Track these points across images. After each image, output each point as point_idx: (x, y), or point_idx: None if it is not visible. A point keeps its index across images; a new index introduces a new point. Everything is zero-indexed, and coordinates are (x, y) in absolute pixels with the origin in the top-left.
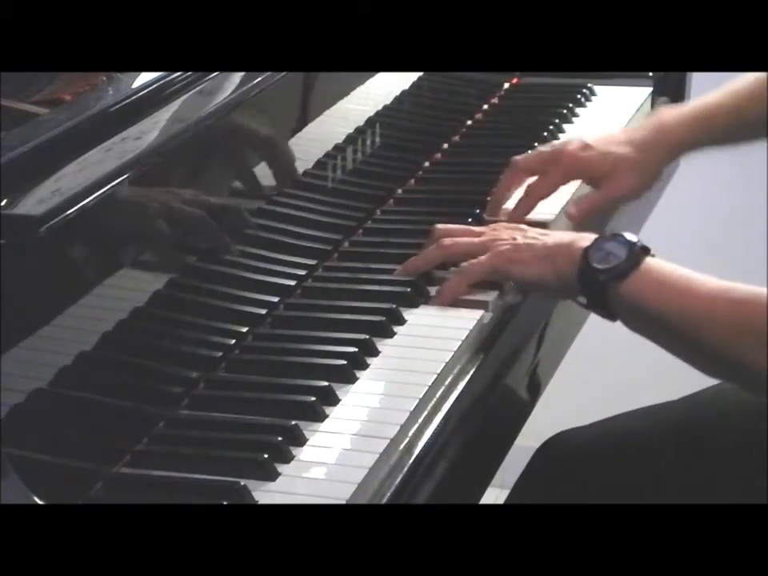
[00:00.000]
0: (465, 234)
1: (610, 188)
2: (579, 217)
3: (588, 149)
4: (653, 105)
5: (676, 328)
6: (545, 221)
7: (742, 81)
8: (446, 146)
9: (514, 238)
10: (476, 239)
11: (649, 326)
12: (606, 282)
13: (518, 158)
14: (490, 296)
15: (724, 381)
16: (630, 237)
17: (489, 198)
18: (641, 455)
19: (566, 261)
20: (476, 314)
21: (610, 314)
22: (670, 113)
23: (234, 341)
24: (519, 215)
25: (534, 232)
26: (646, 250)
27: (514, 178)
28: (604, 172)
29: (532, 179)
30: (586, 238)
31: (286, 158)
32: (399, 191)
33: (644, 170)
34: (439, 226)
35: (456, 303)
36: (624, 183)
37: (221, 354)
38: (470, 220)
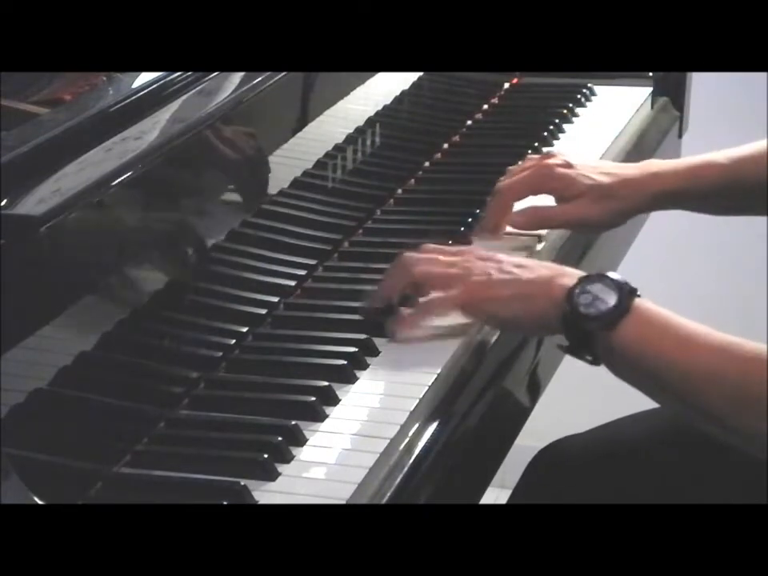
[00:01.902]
0: (433, 263)
1: (569, 209)
2: (522, 223)
3: (568, 166)
4: (653, 105)
5: (672, 386)
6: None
7: (742, 147)
8: (446, 145)
9: (488, 273)
10: (448, 270)
11: (640, 378)
12: (595, 331)
13: (503, 185)
14: None
15: (715, 437)
16: (617, 278)
17: (481, 222)
18: (639, 460)
19: (546, 302)
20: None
21: (594, 360)
22: (663, 161)
23: (233, 341)
24: (492, 224)
25: (509, 264)
26: (633, 292)
27: (504, 207)
28: (573, 194)
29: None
30: (568, 275)
31: (261, 173)
32: (399, 191)
33: (613, 206)
34: (407, 254)
35: None
36: (585, 210)
37: (221, 353)
38: (469, 220)
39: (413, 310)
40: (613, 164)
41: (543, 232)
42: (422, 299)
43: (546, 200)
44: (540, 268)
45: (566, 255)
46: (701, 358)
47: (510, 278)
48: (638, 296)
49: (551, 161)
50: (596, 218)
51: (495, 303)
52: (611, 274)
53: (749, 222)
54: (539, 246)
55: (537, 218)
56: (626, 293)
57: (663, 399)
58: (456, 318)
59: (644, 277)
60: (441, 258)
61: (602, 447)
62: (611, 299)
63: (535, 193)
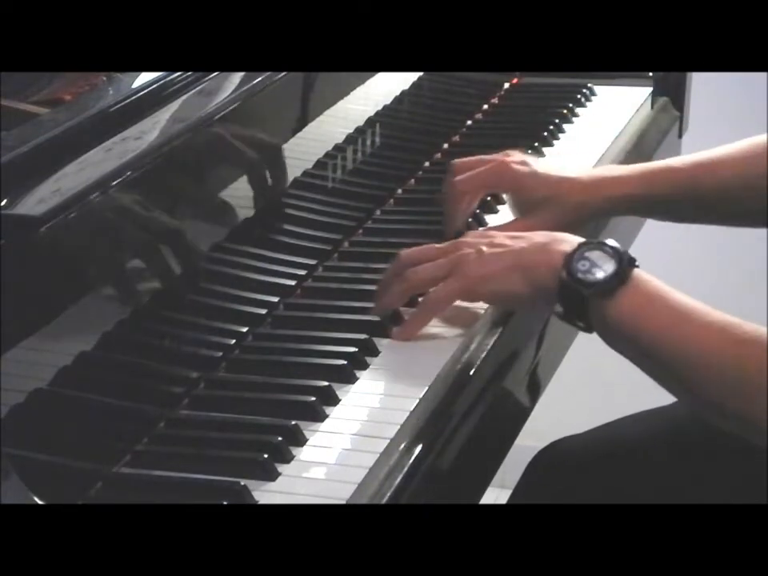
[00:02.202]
0: (429, 254)
1: (529, 224)
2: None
3: (525, 165)
4: (653, 105)
5: (666, 362)
6: None
7: (702, 152)
8: (446, 145)
9: (479, 251)
10: (439, 262)
11: (633, 351)
12: (591, 298)
13: (457, 180)
14: None
15: (710, 422)
16: (617, 246)
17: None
18: (639, 461)
19: (544, 269)
20: (476, 314)
21: (587, 327)
22: (620, 166)
23: (234, 341)
24: (450, 221)
25: (502, 236)
26: (632, 262)
27: (459, 202)
28: (530, 198)
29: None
30: (566, 241)
31: (279, 166)
32: (399, 191)
33: (567, 211)
34: (403, 252)
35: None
36: (541, 222)
37: (221, 353)
38: (469, 220)
39: (414, 311)
40: (568, 167)
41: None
42: (421, 299)
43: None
44: (535, 236)
45: None
46: (697, 336)
47: (503, 251)
48: (637, 266)
49: (508, 159)
50: (552, 227)
51: (492, 280)
52: (610, 242)
53: None
54: None
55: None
56: (626, 262)
57: (656, 375)
58: (457, 315)
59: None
60: (436, 246)
61: (602, 447)
62: (609, 267)
63: (490, 189)
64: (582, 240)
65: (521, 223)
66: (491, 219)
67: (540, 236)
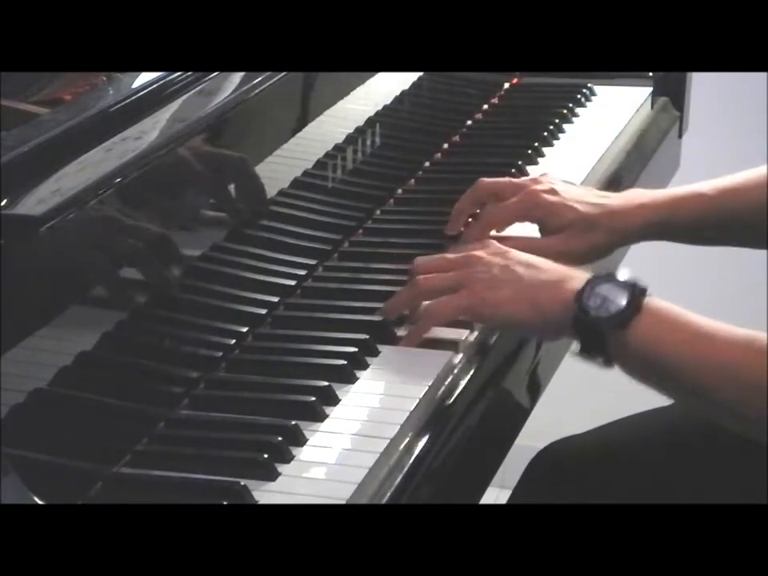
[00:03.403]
0: (442, 265)
1: (554, 242)
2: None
3: (554, 194)
4: (653, 105)
5: (689, 380)
6: None
7: (729, 177)
8: (446, 146)
9: (492, 273)
10: (449, 274)
11: (656, 376)
12: (608, 331)
13: (484, 179)
14: None
15: (740, 434)
16: (627, 277)
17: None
18: (638, 462)
19: (555, 305)
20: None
21: (606, 362)
22: (647, 191)
23: (234, 341)
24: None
25: (516, 262)
26: (644, 291)
27: (476, 197)
28: (558, 224)
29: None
30: (576, 278)
31: (254, 181)
32: (399, 191)
33: (598, 238)
34: (418, 260)
35: None
36: (570, 243)
37: (221, 353)
38: (469, 220)
39: (420, 318)
40: (597, 193)
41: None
42: (424, 304)
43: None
44: (547, 269)
45: None
46: (718, 350)
47: (514, 279)
48: (649, 294)
49: (537, 187)
50: (581, 251)
51: (498, 306)
52: (619, 273)
53: None
54: None
55: (522, 248)
56: (637, 292)
57: (679, 395)
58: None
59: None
60: (449, 257)
61: (601, 448)
62: (622, 299)
63: (521, 220)
64: (591, 276)
65: (545, 241)
66: None
67: (552, 270)
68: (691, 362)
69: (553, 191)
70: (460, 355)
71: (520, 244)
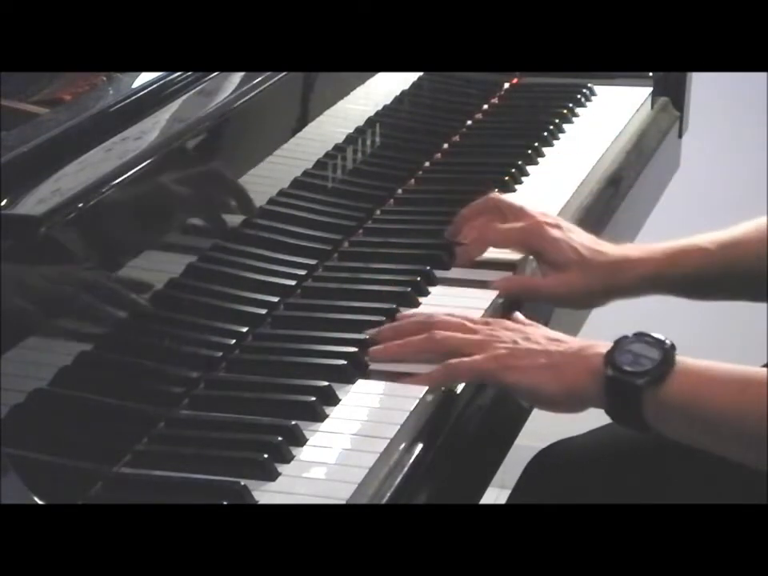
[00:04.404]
0: (460, 328)
1: (556, 283)
2: (504, 289)
3: (559, 230)
4: (653, 105)
5: (734, 427)
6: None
7: (728, 230)
8: (446, 145)
9: (515, 341)
10: (472, 336)
11: (697, 429)
12: (643, 387)
13: (495, 195)
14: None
15: None
16: (657, 335)
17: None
18: (638, 461)
19: (579, 370)
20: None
21: (642, 425)
22: (643, 245)
23: (234, 341)
24: (468, 258)
25: (537, 335)
26: (674, 346)
27: (484, 208)
28: (558, 261)
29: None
30: (600, 345)
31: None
32: (399, 191)
33: (599, 285)
34: (437, 316)
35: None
36: (572, 285)
37: (221, 353)
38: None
39: (438, 368)
40: (598, 241)
41: (518, 257)
42: (446, 362)
43: None
44: (569, 341)
45: None
46: (757, 394)
47: (539, 348)
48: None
49: (545, 219)
50: (580, 295)
51: (521, 373)
52: (648, 333)
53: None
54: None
55: (521, 287)
56: (669, 346)
57: (722, 446)
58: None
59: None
60: (467, 324)
61: (601, 449)
62: (654, 354)
63: (521, 247)
64: (618, 338)
65: (547, 281)
66: None
67: (574, 341)
68: (733, 408)
69: (558, 227)
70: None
71: (522, 282)
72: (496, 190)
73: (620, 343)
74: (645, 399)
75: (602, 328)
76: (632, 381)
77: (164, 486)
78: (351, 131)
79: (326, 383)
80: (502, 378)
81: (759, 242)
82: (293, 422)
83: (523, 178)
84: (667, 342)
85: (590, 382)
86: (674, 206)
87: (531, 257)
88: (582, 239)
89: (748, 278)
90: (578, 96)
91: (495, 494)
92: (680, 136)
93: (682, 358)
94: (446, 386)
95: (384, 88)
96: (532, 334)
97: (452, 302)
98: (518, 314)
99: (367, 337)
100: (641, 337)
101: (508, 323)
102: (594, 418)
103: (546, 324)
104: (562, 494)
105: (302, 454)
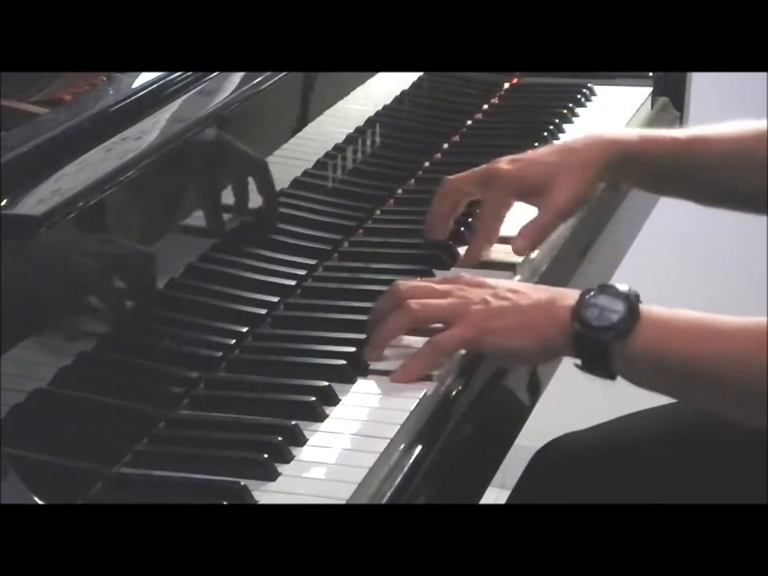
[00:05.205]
0: (427, 292)
1: (550, 202)
2: (529, 245)
3: (515, 161)
4: (653, 105)
5: (701, 375)
6: (514, 261)
7: (704, 126)
8: (446, 145)
9: (485, 300)
10: (444, 302)
11: (665, 378)
12: (611, 342)
13: (449, 177)
14: None
15: (756, 425)
16: (620, 286)
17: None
18: (640, 459)
19: (550, 326)
20: None
21: (609, 374)
22: (617, 129)
23: (234, 341)
24: (477, 252)
25: (503, 289)
26: (638, 297)
27: (446, 198)
28: (537, 183)
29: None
30: (567, 295)
31: (264, 175)
32: (399, 191)
33: (576, 175)
34: (400, 284)
35: None
36: (562, 192)
37: (221, 353)
38: (469, 220)
39: (420, 351)
40: (553, 145)
41: (519, 259)
42: (428, 341)
43: None
44: (535, 292)
45: (566, 256)
46: (723, 340)
47: (509, 305)
48: (641, 301)
49: (499, 163)
50: (573, 195)
51: (498, 335)
52: (612, 284)
53: (749, 221)
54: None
55: (536, 230)
56: (633, 298)
57: (690, 394)
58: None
59: (644, 277)
60: (436, 287)
61: (603, 445)
62: (620, 307)
63: (518, 196)
64: (581, 292)
65: (547, 208)
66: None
67: (541, 292)
68: (699, 356)
69: (513, 160)
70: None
71: (532, 227)
72: None
73: (584, 295)
74: (613, 353)
75: None
76: (598, 336)
77: (164, 485)
78: (351, 131)
79: (326, 383)
80: (483, 343)
81: (728, 142)
82: (293, 422)
83: None
84: (631, 293)
85: (560, 335)
86: (674, 205)
87: (531, 255)
88: (540, 153)
89: (713, 178)
90: (578, 96)
91: (495, 494)
92: None
93: (647, 308)
94: (436, 366)
95: (384, 88)
96: (499, 289)
97: None
98: (466, 275)
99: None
100: (605, 289)
101: (469, 278)
102: (594, 418)
103: None
104: (564, 489)
105: (302, 454)
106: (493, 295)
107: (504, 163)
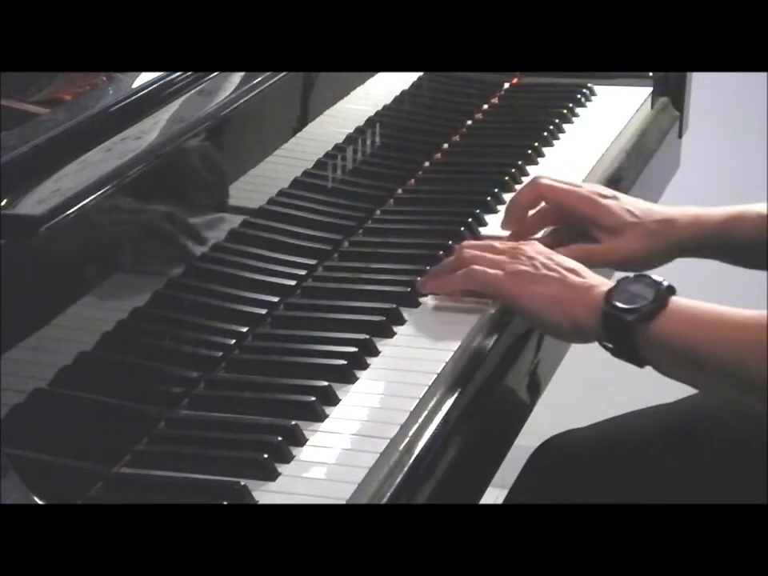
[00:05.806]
0: (489, 248)
1: (615, 246)
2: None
3: (608, 198)
4: (653, 105)
5: (721, 363)
6: None
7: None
8: (446, 145)
9: (535, 265)
10: (497, 257)
11: (686, 366)
12: (634, 323)
13: (550, 183)
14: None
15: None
16: (655, 277)
17: (505, 209)
18: (639, 457)
19: (584, 308)
20: (475, 315)
21: (637, 359)
22: (695, 208)
23: (234, 341)
24: (514, 217)
25: (559, 264)
26: (671, 290)
27: (534, 199)
28: (612, 224)
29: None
30: (609, 285)
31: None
32: (399, 191)
33: (657, 244)
34: (464, 242)
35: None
36: (631, 247)
37: (221, 353)
38: (469, 220)
39: (459, 273)
40: (650, 204)
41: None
42: (469, 268)
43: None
44: (586, 275)
45: None
46: (739, 331)
47: (555, 277)
48: (675, 294)
49: (593, 189)
50: (642, 256)
51: (531, 299)
52: (649, 274)
53: None
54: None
55: (585, 255)
56: (663, 288)
57: (707, 383)
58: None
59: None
60: (496, 244)
61: (603, 443)
62: (649, 293)
63: (570, 209)
64: (622, 277)
65: (606, 247)
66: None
67: (589, 278)
68: (715, 346)
69: (608, 196)
70: (459, 356)
71: (582, 250)
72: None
73: (621, 282)
74: (636, 335)
75: None
76: (623, 317)
77: (164, 485)
78: (351, 131)
79: (326, 383)
80: (511, 297)
81: None
82: (293, 422)
83: (523, 178)
84: (664, 283)
85: (591, 316)
86: (674, 205)
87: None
88: (633, 202)
89: None
90: (578, 96)
91: (495, 494)
92: (680, 136)
93: (677, 299)
94: (465, 288)
95: (384, 88)
96: (553, 263)
97: (452, 302)
98: (537, 243)
99: (368, 337)
100: (641, 278)
101: (539, 247)
102: (594, 418)
103: None
104: (562, 487)
105: (302, 453)
106: (545, 264)
107: (602, 196)
